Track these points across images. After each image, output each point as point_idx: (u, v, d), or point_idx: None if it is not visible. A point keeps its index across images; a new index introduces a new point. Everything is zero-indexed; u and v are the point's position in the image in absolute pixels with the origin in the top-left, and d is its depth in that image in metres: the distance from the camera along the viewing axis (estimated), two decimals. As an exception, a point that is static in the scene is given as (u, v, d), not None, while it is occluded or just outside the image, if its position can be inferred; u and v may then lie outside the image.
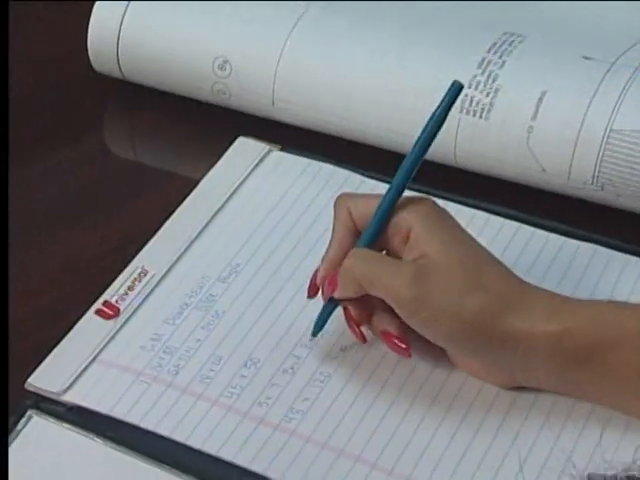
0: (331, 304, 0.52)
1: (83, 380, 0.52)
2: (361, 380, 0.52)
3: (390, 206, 0.51)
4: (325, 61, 0.64)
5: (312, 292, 0.53)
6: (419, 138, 0.52)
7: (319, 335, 0.53)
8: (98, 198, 0.63)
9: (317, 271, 0.52)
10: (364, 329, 0.52)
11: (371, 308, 0.51)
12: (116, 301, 0.55)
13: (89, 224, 0.61)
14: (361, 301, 0.51)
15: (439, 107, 0.51)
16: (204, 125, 0.67)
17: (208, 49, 0.65)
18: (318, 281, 0.52)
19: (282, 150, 0.64)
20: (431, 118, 0.52)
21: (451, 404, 0.51)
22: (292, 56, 0.64)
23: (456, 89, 0.51)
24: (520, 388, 0.51)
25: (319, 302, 0.53)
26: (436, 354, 0.52)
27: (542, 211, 0.60)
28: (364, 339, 0.52)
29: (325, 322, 0.53)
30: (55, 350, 0.53)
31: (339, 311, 0.52)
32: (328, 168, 0.62)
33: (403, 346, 0.51)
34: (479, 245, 0.51)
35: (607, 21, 0.67)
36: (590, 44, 0.63)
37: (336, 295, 0.51)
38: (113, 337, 0.54)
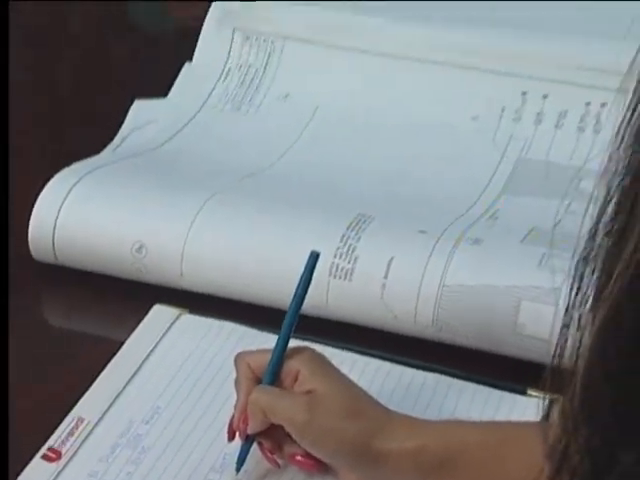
0: (248, 442, 0.53)
1: (33, 514, 0.50)
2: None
3: (280, 355, 0.52)
4: (223, 241, 0.65)
5: (231, 436, 0.53)
6: (293, 298, 0.53)
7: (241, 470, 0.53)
8: (41, 361, 0.62)
9: (232, 418, 0.53)
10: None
11: (280, 440, 0.52)
12: (58, 446, 0.54)
13: (35, 382, 0.60)
14: (270, 435, 0.52)
15: (304, 272, 0.53)
16: (127, 296, 0.66)
17: (127, 237, 0.65)
18: (234, 424, 0.52)
19: (191, 313, 0.64)
20: (299, 281, 0.53)
21: (337, 510, 0.51)
22: (195, 239, 0.65)
23: (314, 257, 0.53)
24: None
25: (226, 435, 0.53)
26: (323, 468, 0.52)
27: (397, 350, 0.61)
28: (278, 465, 0.53)
29: (245, 458, 0.53)
30: (9, 490, 0.51)
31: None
32: (228, 325, 0.63)
33: (311, 462, 0.51)
34: (351, 381, 0.52)
35: (436, 201, 0.69)
36: (424, 221, 0.65)
37: (249, 430, 0.52)
38: (56, 478, 0.53)
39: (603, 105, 0.70)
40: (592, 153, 0.67)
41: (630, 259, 0.28)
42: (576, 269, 0.30)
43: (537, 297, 0.58)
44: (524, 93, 0.72)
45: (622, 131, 0.29)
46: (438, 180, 0.71)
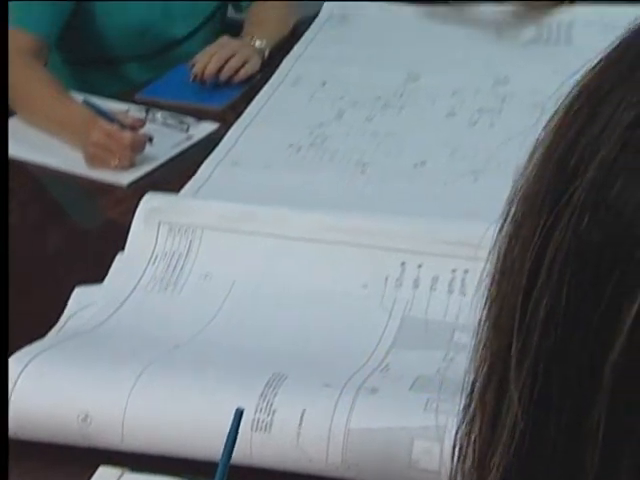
0: None
1: None
2: None
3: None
4: (157, 407, 0.67)
5: None
6: (223, 452, 0.55)
7: None
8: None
9: None
10: None
11: None
12: None
13: None
14: None
15: (231, 428, 0.56)
16: (74, 460, 0.67)
17: (73, 409, 0.67)
18: None
19: (132, 471, 0.65)
20: (228, 437, 0.56)
21: None
22: (133, 407, 0.67)
23: (238, 413, 0.56)
24: None
25: None
26: None
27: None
28: None
29: None
30: None
31: None
32: (167, 480, 0.65)
33: None
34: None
35: (337, 357, 0.72)
36: (328, 375, 0.68)
37: None
38: None
39: (466, 271, 0.77)
40: (460, 310, 0.72)
41: (507, 452, 0.27)
42: (455, 439, 0.30)
43: (426, 435, 0.62)
44: (403, 264, 0.79)
45: (477, 339, 0.29)
46: (337, 339, 0.75)
